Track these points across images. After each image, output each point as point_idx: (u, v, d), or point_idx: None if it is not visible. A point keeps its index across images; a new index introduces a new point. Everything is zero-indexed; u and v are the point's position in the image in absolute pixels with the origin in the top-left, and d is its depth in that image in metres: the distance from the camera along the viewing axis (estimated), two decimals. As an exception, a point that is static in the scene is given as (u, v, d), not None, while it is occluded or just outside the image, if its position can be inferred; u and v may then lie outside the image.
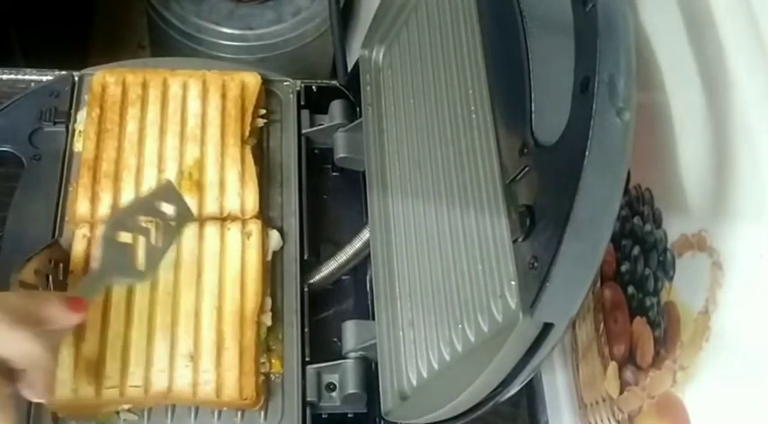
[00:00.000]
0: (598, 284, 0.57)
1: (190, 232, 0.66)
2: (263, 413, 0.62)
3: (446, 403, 0.52)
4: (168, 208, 0.61)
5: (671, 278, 0.48)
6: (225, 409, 0.61)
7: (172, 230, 0.61)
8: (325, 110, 0.77)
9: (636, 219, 0.52)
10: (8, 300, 0.50)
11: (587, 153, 0.38)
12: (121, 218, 0.60)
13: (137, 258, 0.59)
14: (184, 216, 0.62)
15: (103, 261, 0.58)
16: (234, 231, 0.66)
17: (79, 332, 0.61)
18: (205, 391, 0.60)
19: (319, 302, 0.69)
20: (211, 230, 0.66)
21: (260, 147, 0.73)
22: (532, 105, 0.46)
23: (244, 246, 0.66)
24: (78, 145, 0.70)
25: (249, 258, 0.66)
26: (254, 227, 0.67)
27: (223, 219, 0.67)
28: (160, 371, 0.60)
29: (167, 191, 0.63)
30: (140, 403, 0.60)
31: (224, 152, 0.70)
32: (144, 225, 0.60)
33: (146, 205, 0.61)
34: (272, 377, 0.63)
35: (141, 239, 0.59)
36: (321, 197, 0.75)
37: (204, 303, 0.63)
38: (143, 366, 0.60)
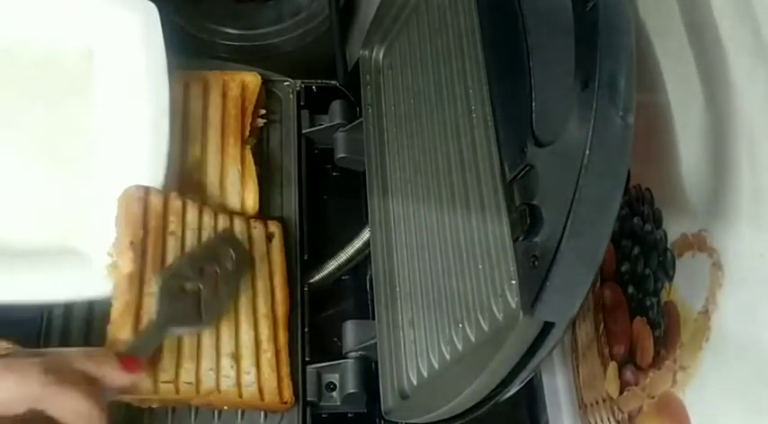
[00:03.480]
0: (598, 284, 0.57)
1: (222, 221, 0.65)
2: (263, 413, 0.62)
3: (446, 403, 0.52)
4: (227, 256, 0.62)
5: (671, 278, 0.48)
6: (226, 408, 0.61)
7: (232, 278, 0.62)
8: (325, 110, 0.77)
9: (636, 219, 0.52)
10: (66, 359, 0.51)
11: (588, 151, 0.38)
12: (179, 268, 0.60)
13: (197, 306, 0.59)
14: (244, 262, 0.63)
15: (160, 313, 0.58)
16: (258, 230, 0.66)
17: (136, 321, 0.59)
18: (249, 392, 0.60)
19: (319, 302, 0.69)
20: (238, 226, 0.66)
21: (260, 147, 0.73)
22: (533, 104, 0.46)
23: (268, 248, 0.66)
24: (78, 145, 0.70)
25: (275, 260, 0.66)
26: (276, 230, 0.67)
27: (248, 218, 0.67)
28: (209, 370, 0.60)
29: (225, 239, 0.64)
30: (190, 402, 0.59)
31: (224, 152, 0.69)
32: (205, 272, 0.60)
33: (205, 253, 0.62)
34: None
35: (201, 287, 0.59)
36: (321, 197, 0.75)
37: (240, 303, 0.63)
38: (194, 363, 0.59)
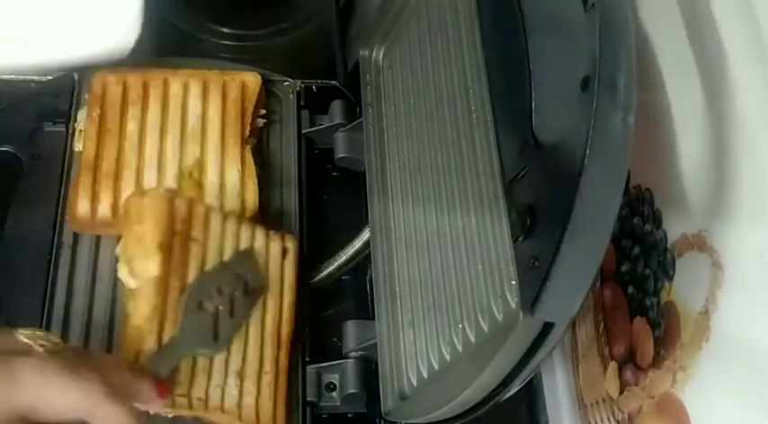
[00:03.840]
0: (598, 284, 0.57)
1: (245, 230, 0.64)
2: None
3: (446, 403, 0.52)
4: (245, 278, 0.61)
5: (671, 278, 0.48)
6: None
7: (245, 302, 0.60)
8: (325, 110, 0.77)
9: (636, 219, 0.52)
10: (112, 370, 0.50)
11: (587, 152, 0.38)
12: (203, 285, 0.59)
13: (214, 327, 0.58)
14: (259, 287, 0.62)
15: (183, 330, 0.57)
16: (276, 244, 0.65)
17: (161, 329, 0.57)
18: (247, 414, 0.58)
19: (319, 302, 0.69)
20: (259, 238, 0.64)
21: (260, 147, 0.73)
22: (533, 104, 0.46)
23: (281, 263, 0.64)
24: (79, 145, 0.70)
25: (286, 277, 0.64)
26: (291, 246, 0.65)
27: (267, 230, 0.65)
28: (216, 386, 0.58)
29: (245, 259, 0.62)
30: (200, 417, 0.58)
31: (224, 152, 0.69)
32: (224, 293, 0.59)
33: (225, 273, 0.61)
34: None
35: (220, 309, 0.59)
36: (321, 197, 0.75)
37: (252, 319, 0.61)
38: (206, 377, 0.58)
